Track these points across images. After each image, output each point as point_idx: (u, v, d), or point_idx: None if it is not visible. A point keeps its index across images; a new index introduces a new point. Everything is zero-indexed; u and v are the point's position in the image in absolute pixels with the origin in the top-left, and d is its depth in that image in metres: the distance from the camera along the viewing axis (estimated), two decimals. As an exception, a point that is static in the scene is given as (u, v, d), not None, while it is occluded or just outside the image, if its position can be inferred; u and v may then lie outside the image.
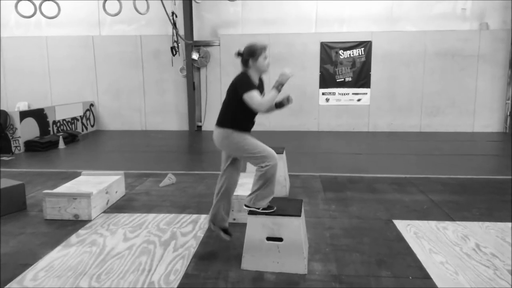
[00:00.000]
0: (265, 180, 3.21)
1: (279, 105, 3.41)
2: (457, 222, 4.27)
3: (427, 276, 3.15)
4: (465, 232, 4.00)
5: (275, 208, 3.25)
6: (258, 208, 3.24)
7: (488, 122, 10.80)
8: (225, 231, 3.62)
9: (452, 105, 10.79)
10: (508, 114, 10.58)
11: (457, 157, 7.72)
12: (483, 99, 10.72)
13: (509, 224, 4.20)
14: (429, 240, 3.82)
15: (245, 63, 3.25)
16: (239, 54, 3.28)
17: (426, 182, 5.80)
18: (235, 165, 3.54)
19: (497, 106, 10.74)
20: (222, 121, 3.29)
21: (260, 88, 3.34)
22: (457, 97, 10.75)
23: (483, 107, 10.75)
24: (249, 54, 3.22)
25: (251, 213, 3.25)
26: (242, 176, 4.93)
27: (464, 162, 7.30)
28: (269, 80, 3.53)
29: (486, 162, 7.51)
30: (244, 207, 3.34)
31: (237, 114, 3.25)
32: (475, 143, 9.33)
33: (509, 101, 10.53)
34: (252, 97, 3.12)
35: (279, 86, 3.14)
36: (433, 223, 4.22)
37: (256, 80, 3.27)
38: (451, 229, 4.06)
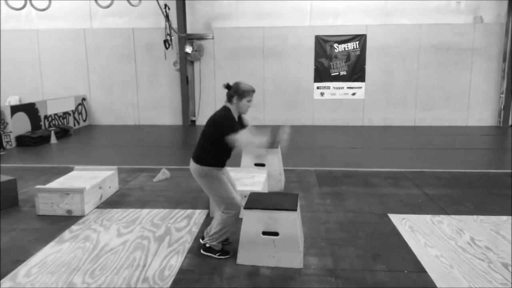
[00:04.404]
0: (223, 227, 3.32)
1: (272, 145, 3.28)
2: (452, 215, 4.28)
3: (422, 270, 3.16)
4: (459, 225, 4.01)
5: (231, 253, 3.36)
6: (215, 254, 3.36)
7: (482, 116, 10.85)
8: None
9: (447, 99, 10.81)
10: (502, 108, 10.64)
11: (452, 151, 7.75)
12: (477, 93, 10.76)
13: (502, 217, 4.22)
14: (424, 234, 3.82)
15: (229, 98, 3.28)
16: (227, 87, 3.29)
17: (420, 176, 5.82)
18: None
19: (491, 100, 10.78)
20: (199, 158, 3.30)
21: (239, 124, 3.35)
22: (451, 91, 10.77)
23: (477, 101, 10.79)
24: (236, 92, 3.25)
25: (247, 207, 3.23)
26: (237, 170, 4.92)
27: (458, 156, 7.32)
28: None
29: (480, 156, 7.55)
30: (201, 241, 3.51)
31: (215, 150, 3.26)
32: (469, 137, 9.37)
33: (503, 95, 10.58)
34: (234, 140, 3.13)
35: (274, 144, 3.17)
36: (428, 217, 4.23)
37: (235, 117, 3.31)
38: (446, 223, 4.07)
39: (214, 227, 3.38)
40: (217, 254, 3.36)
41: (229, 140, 3.15)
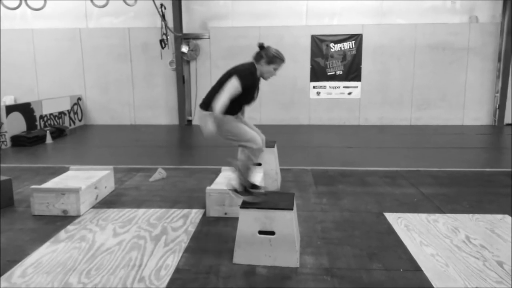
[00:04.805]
0: (248, 164, 3.29)
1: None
2: (447, 214, 4.30)
3: (417, 268, 3.17)
4: (455, 224, 4.03)
5: (261, 189, 3.35)
6: (246, 190, 3.31)
7: (477, 115, 10.91)
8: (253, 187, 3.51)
9: (442, 98, 10.86)
10: (497, 107, 10.69)
11: (447, 150, 7.79)
12: (473, 92, 10.81)
13: (497, 216, 4.24)
14: (419, 232, 3.84)
15: (258, 58, 3.27)
16: (261, 47, 3.27)
17: (416, 175, 5.84)
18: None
19: (486, 99, 10.84)
20: (208, 104, 3.26)
21: (257, 85, 3.37)
22: (447, 90, 10.82)
23: (472, 100, 10.84)
24: (267, 55, 3.24)
25: (243, 206, 3.23)
26: (233, 169, 4.91)
27: (454, 155, 7.35)
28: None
29: (476, 155, 7.58)
30: (231, 192, 3.41)
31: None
32: (465, 136, 9.41)
33: (498, 94, 10.63)
34: (230, 89, 3.11)
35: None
36: (423, 216, 4.25)
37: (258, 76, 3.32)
38: (442, 222, 4.09)
39: (238, 172, 3.34)
40: (243, 194, 3.31)
41: (229, 81, 3.11)
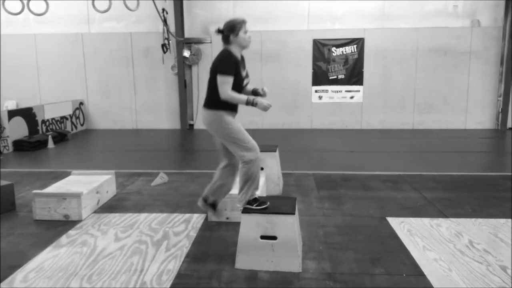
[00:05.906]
0: (249, 177, 3.26)
1: (254, 93, 3.48)
2: (450, 219, 4.27)
3: (420, 273, 3.15)
4: (458, 228, 4.01)
5: (268, 203, 3.28)
6: (252, 205, 3.26)
7: (480, 119, 10.88)
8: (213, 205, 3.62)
9: (445, 102, 10.85)
10: (500, 111, 10.67)
11: (450, 154, 7.76)
12: (475, 96, 10.80)
13: (501, 220, 4.22)
14: (422, 237, 3.81)
15: (226, 39, 3.27)
16: (219, 31, 3.28)
17: (419, 179, 5.82)
18: (232, 166, 3.53)
19: (489, 103, 10.82)
20: (210, 103, 3.28)
21: (242, 64, 3.35)
22: (449, 94, 10.81)
23: (475, 104, 10.82)
24: (230, 30, 3.25)
25: (245, 211, 3.22)
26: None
27: (457, 159, 7.33)
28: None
29: (479, 159, 7.56)
30: (238, 206, 3.35)
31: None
32: (468, 140, 9.39)
33: (501, 98, 10.61)
34: (225, 83, 3.13)
35: (252, 104, 3.20)
36: (426, 220, 4.22)
37: (238, 56, 3.29)
38: (445, 226, 4.07)
39: (240, 186, 3.31)
40: (254, 205, 3.26)
41: (218, 79, 3.12)
